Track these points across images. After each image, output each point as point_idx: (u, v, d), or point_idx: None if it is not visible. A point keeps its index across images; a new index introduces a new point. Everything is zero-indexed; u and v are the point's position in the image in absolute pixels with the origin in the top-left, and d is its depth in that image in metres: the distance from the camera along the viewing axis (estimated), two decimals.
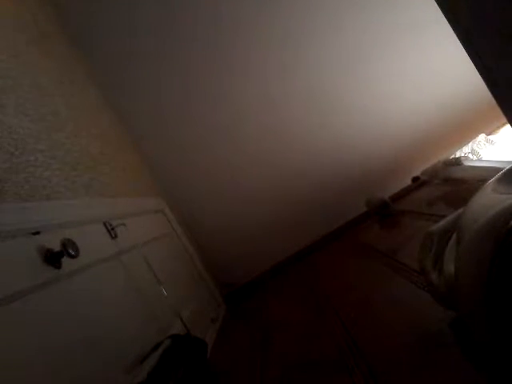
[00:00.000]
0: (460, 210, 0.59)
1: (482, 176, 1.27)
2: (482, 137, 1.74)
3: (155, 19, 1.81)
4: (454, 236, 0.55)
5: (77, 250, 0.78)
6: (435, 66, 1.87)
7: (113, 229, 1.06)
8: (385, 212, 1.65)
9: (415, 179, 1.85)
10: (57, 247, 0.74)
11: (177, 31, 1.82)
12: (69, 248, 0.75)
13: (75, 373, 0.64)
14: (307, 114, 1.89)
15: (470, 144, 1.75)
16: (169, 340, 0.91)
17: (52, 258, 0.72)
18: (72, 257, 0.75)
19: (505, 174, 0.49)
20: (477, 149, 1.70)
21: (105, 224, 1.04)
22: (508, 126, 1.65)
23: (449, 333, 0.58)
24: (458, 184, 1.43)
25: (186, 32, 1.82)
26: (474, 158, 1.68)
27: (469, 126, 1.85)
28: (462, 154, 1.70)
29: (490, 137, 1.75)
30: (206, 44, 1.84)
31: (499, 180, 0.49)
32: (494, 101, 0.59)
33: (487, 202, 0.44)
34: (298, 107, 1.89)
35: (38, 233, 0.73)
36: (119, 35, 1.81)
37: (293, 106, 1.89)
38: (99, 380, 0.69)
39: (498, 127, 1.82)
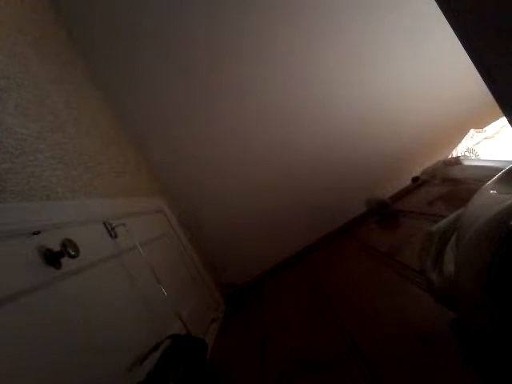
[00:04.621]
0: (460, 210, 0.59)
1: (481, 176, 1.27)
2: (471, 132, 1.74)
3: (156, 18, 1.81)
4: (454, 236, 0.55)
5: (77, 250, 0.78)
6: (435, 66, 1.87)
7: (113, 229, 1.06)
8: (385, 212, 1.65)
9: (415, 179, 1.85)
10: (57, 247, 0.74)
11: (178, 30, 1.82)
12: (69, 248, 0.75)
13: (75, 373, 0.64)
14: (308, 113, 1.89)
15: (463, 141, 1.74)
16: (169, 340, 0.91)
17: (52, 258, 0.72)
18: (72, 257, 0.75)
19: (505, 173, 0.49)
20: (472, 146, 1.70)
21: (105, 224, 1.04)
22: (508, 125, 1.65)
23: (449, 333, 0.58)
24: (457, 184, 1.43)
25: (188, 30, 1.82)
26: (473, 157, 1.68)
27: (469, 125, 1.85)
28: (462, 154, 1.70)
29: (481, 128, 1.73)
30: (208, 42, 1.84)
31: (499, 180, 0.49)
32: (494, 100, 0.59)
33: (487, 201, 0.44)
34: (299, 107, 1.89)
35: (38, 233, 0.73)
36: (120, 34, 1.82)
37: (294, 105, 1.89)
38: (99, 380, 0.69)
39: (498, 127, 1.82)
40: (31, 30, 1.28)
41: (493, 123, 1.70)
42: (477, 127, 1.77)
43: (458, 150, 1.73)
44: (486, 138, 1.71)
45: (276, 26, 1.83)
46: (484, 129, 1.72)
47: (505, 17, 0.49)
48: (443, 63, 1.86)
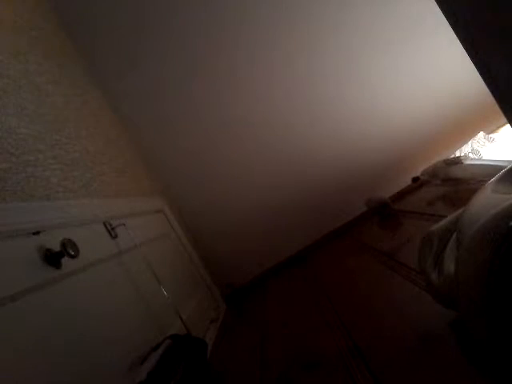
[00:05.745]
0: (460, 210, 0.59)
1: (482, 176, 1.27)
2: (481, 135, 1.74)
3: (157, 17, 1.81)
4: (454, 236, 0.55)
5: (77, 250, 0.78)
6: (435, 66, 1.87)
7: (113, 229, 1.06)
8: (385, 212, 1.65)
9: (415, 179, 1.85)
10: (57, 247, 0.74)
11: (179, 30, 1.82)
12: (69, 248, 0.75)
13: (75, 373, 0.64)
14: (308, 114, 1.89)
15: (469, 143, 1.75)
16: (169, 340, 0.91)
17: (52, 258, 0.72)
18: (72, 257, 0.75)
19: (505, 173, 0.49)
20: (477, 148, 1.70)
21: (105, 224, 1.04)
22: (508, 125, 1.65)
23: (449, 333, 0.58)
24: (458, 184, 1.43)
25: (188, 31, 1.82)
26: (475, 157, 1.67)
27: (469, 125, 1.85)
28: (463, 154, 1.70)
29: (489, 135, 1.74)
30: (209, 43, 1.83)
31: (499, 180, 0.49)
32: (494, 100, 0.59)
33: (487, 202, 0.44)
34: (299, 108, 1.89)
35: (38, 233, 0.73)
36: (120, 34, 1.82)
37: (294, 106, 1.89)
38: (99, 380, 0.69)
39: (498, 127, 1.82)
40: (31, 29, 1.28)
41: (502, 130, 1.70)
42: (485, 130, 1.77)
43: (463, 151, 1.73)
44: (490, 141, 1.71)
45: (275, 26, 1.83)
46: (492, 136, 1.72)
47: (506, 16, 0.49)
48: (444, 63, 1.86)
